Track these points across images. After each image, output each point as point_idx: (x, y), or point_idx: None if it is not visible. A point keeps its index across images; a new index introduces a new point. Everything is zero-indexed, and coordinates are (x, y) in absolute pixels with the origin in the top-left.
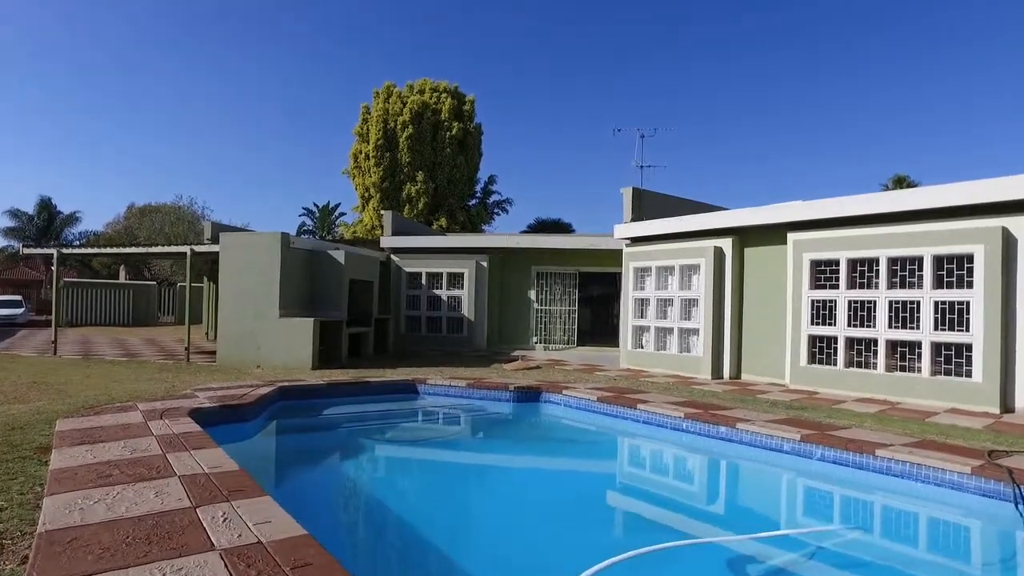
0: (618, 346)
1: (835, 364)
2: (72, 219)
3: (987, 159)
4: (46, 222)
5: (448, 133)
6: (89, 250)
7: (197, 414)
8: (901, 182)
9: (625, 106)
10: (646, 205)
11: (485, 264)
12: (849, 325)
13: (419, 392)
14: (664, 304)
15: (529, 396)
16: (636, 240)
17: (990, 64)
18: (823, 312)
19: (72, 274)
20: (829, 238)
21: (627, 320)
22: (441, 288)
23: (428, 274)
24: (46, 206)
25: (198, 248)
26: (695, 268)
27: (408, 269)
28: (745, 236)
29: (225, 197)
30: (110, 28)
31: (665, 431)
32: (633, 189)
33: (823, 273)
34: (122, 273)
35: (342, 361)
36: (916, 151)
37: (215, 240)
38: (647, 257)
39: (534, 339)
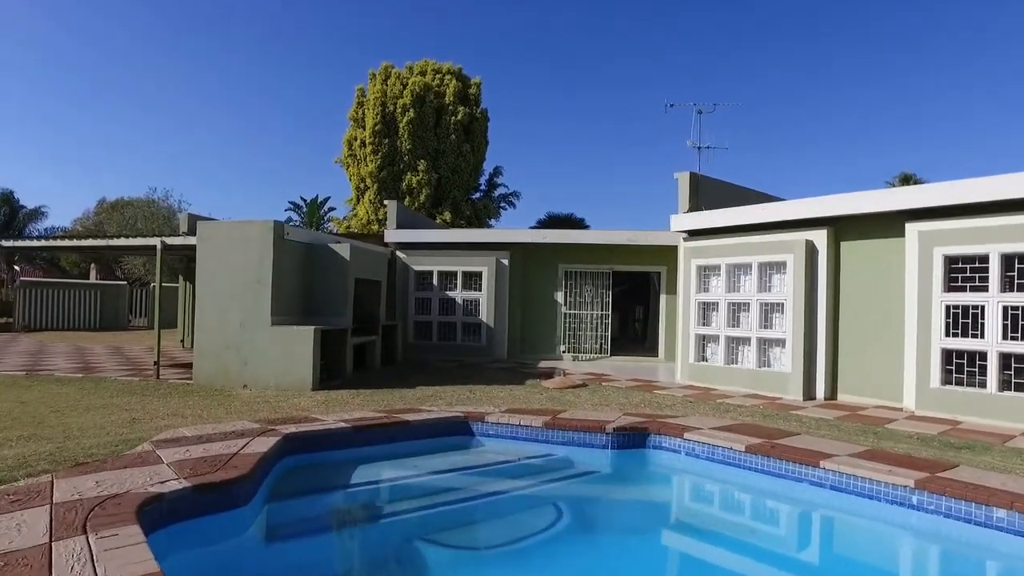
0: (654, 355)
1: (983, 387)
2: (36, 214)
3: (988, 157)
4: (7, 217)
5: (453, 118)
6: (36, 243)
7: (152, 510)
8: (908, 180)
9: (630, 95)
10: (703, 194)
11: (506, 262)
12: (1005, 338)
13: (475, 433)
14: (737, 309)
15: (633, 440)
16: (696, 233)
17: (988, 62)
18: (963, 320)
19: (38, 273)
20: (973, 228)
21: (688, 328)
22: (456, 289)
23: (440, 273)
24: (7, 200)
25: (171, 240)
26: (780, 266)
27: (417, 267)
28: (842, 227)
29: (202, 191)
30: (78, 13)
31: (882, 507)
32: (691, 174)
33: (962, 272)
34: (93, 272)
35: (346, 377)
36: (918, 149)
37: (192, 233)
38: (715, 253)
39: (561, 348)
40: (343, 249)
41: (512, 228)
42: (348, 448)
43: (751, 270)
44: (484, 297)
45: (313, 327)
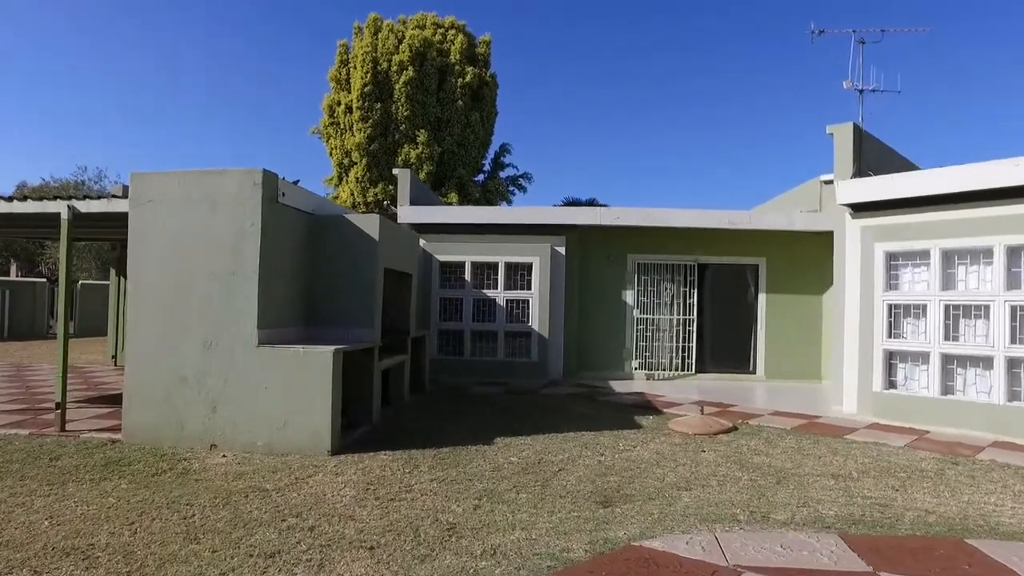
0: (743, 371)
1: None
2: None
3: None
4: None
5: (460, 80)
6: None
7: None
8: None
9: (630, 71)
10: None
11: (562, 250)
12: None
13: None
14: (960, 315)
15: None
16: (867, 207)
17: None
18: None
19: None
20: None
21: (871, 340)
22: (496, 287)
23: (474, 265)
24: None
25: (85, 206)
26: None
27: (442, 257)
28: None
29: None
30: None
31: None
32: (854, 126)
33: None
34: (13, 270)
35: (373, 422)
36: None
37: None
38: (920, 233)
39: (633, 363)
40: (369, 224)
41: (568, 207)
42: None
43: (990, 257)
44: (535, 298)
45: (332, 348)
